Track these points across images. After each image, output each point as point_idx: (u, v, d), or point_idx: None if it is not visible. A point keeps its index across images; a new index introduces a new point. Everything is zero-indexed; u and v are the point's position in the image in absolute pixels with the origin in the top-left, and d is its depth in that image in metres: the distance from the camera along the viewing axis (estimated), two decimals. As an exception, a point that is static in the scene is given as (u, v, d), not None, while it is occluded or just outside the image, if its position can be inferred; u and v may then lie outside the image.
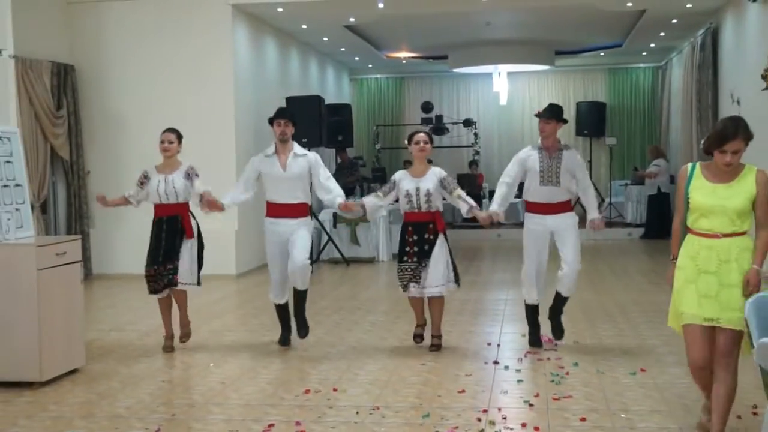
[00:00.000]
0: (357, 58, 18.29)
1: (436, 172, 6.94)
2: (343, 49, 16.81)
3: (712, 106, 13.23)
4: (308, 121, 12.37)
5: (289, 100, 12.92)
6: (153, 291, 7.14)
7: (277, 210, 7.03)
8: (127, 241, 11.56)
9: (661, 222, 15.19)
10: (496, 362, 6.58)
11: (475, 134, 19.15)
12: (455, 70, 18.23)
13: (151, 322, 8.40)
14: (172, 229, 7.08)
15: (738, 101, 11.84)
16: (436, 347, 6.98)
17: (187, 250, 7.10)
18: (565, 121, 6.90)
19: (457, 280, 6.97)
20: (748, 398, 5.38)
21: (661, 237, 14.95)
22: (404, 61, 18.69)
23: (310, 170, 7.04)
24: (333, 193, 7.04)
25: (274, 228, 7.02)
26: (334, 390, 5.85)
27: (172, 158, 7.16)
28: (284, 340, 7.30)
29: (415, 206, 6.90)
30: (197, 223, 7.26)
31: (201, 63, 11.81)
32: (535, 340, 7.06)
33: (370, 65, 19.46)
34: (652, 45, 16.84)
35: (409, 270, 6.88)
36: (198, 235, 7.23)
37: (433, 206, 6.89)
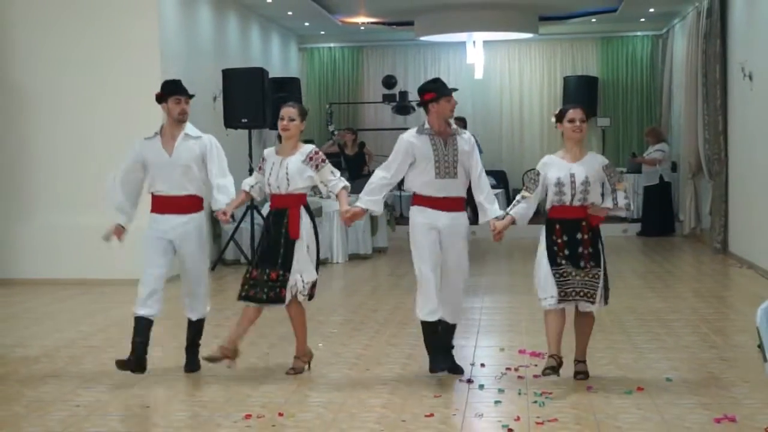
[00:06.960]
0: (307, 24, 18.23)
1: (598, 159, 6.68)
2: (290, 13, 16.75)
3: (720, 81, 13.39)
4: (249, 97, 12.31)
5: (226, 73, 12.86)
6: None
7: (161, 204, 6.89)
8: (32, 239, 11.40)
9: (662, 216, 15.28)
10: (470, 381, 6.62)
11: (446, 114, 19.13)
12: (422, 38, 18.23)
13: (60, 336, 8.31)
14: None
15: (750, 76, 11.99)
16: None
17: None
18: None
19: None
20: (763, 419, 5.47)
21: (663, 233, 15.05)
22: (362, 28, 18.65)
23: (203, 158, 6.89)
24: (222, 196, 6.81)
25: (156, 226, 6.90)
26: (280, 415, 5.84)
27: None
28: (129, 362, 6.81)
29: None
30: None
31: (119, 30, 11.59)
32: None
33: (323, 32, 19.40)
34: (652, 10, 17.00)
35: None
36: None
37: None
